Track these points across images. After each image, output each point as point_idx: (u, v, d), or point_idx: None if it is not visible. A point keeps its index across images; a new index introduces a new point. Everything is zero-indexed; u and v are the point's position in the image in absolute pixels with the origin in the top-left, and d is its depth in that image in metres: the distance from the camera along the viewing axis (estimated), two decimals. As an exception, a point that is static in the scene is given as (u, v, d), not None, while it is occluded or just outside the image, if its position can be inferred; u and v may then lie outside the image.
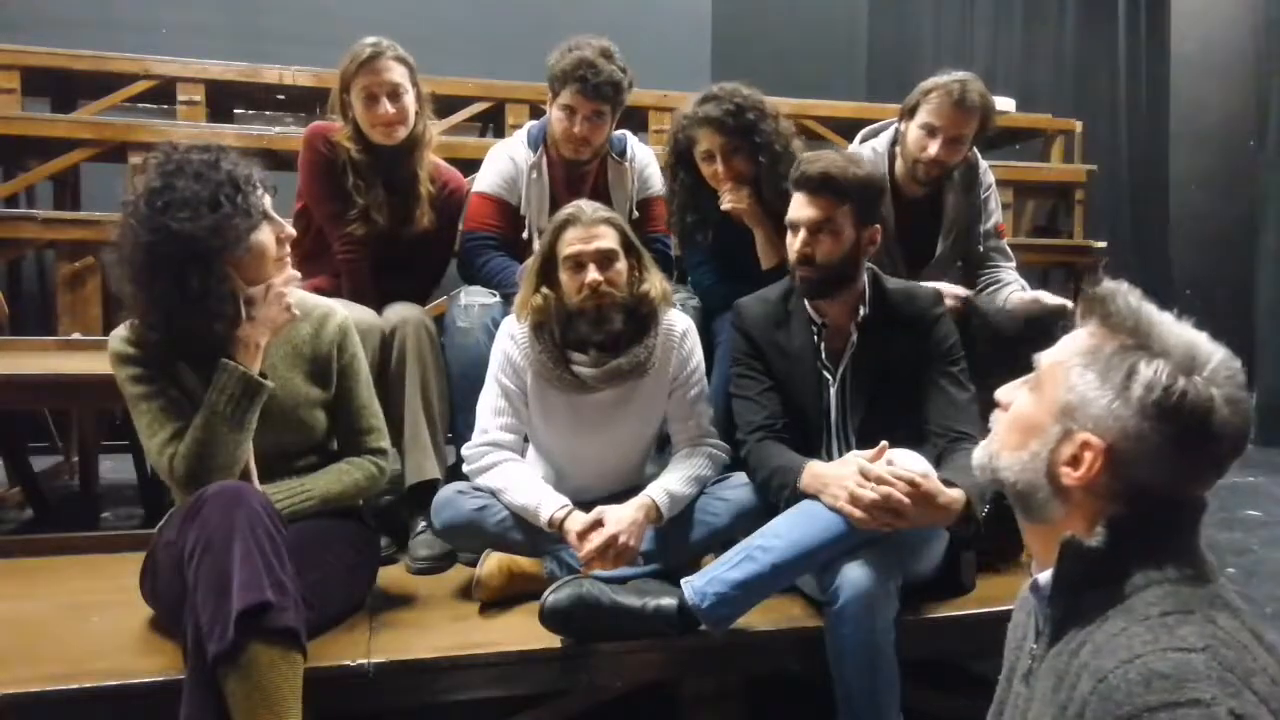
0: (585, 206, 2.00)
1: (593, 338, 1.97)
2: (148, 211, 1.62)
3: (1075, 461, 0.94)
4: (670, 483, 1.96)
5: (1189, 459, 0.91)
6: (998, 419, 1.06)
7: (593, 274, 1.92)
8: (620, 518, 1.85)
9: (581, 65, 2.37)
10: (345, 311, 1.95)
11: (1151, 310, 0.95)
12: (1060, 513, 0.97)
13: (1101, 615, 0.91)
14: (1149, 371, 0.90)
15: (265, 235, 1.70)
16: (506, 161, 2.54)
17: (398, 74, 2.32)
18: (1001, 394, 1.07)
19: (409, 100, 2.35)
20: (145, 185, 1.65)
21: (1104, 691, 0.84)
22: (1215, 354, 0.92)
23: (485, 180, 2.54)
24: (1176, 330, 0.93)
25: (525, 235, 2.52)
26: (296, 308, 1.76)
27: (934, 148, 2.38)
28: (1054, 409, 0.96)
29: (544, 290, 1.98)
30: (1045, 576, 0.99)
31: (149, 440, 1.69)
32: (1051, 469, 0.96)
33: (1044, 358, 1.01)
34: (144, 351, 1.70)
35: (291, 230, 1.76)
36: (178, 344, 1.70)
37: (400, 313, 2.29)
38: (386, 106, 2.31)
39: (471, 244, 2.51)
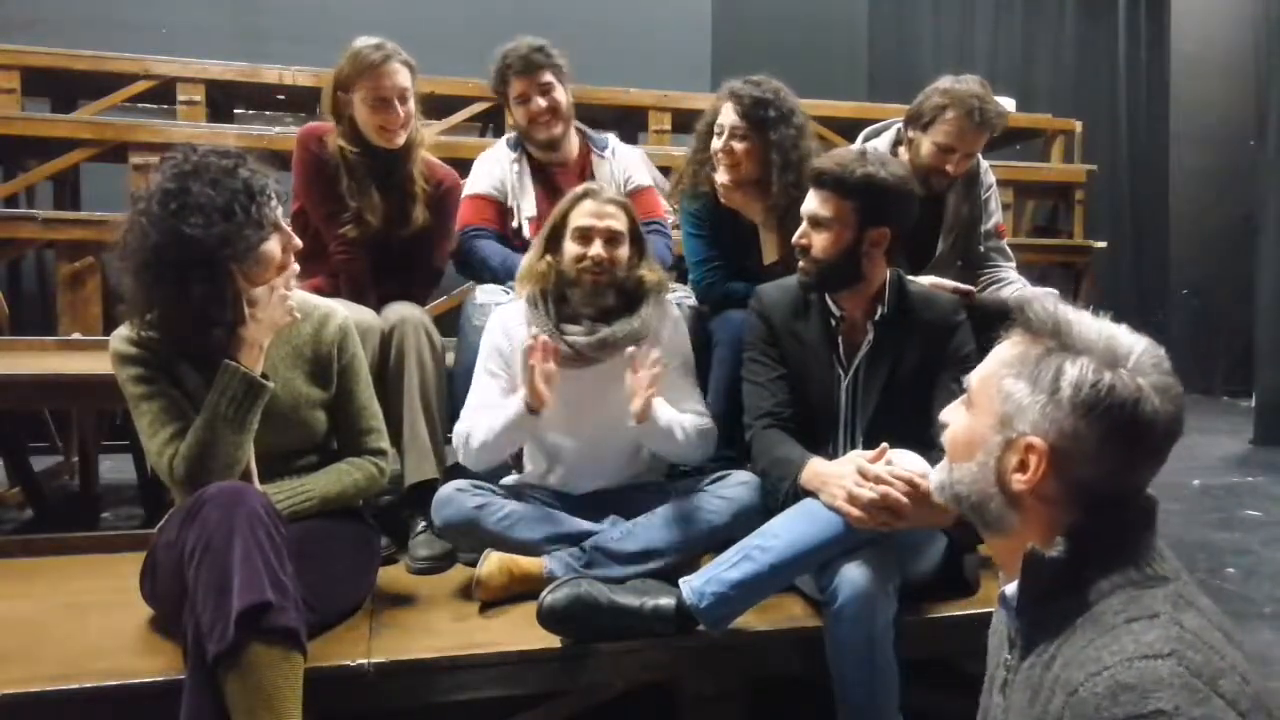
0: (606, 187, 2.11)
1: (584, 310, 2.02)
2: (159, 212, 1.61)
3: (1023, 466, 0.96)
4: (673, 412, 2.00)
5: (1126, 450, 0.93)
6: (944, 440, 1.08)
7: (597, 249, 1.99)
8: None
9: (505, 56, 2.58)
10: (345, 312, 1.95)
11: (1068, 311, 0.98)
12: (1016, 522, 0.99)
13: (1070, 625, 0.92)
14: (1074, 370, 0.93)
15: (274, 245, 1.69)
16: (492, 163, 2.66)
17: (404, 78, 2.33)
18: (944, 415, 1.09)
19: (413, 104, 2.36)
20: (159, 184, 1.63)
21: (1075, 705, 0.85)
22: (1137, 345, 0.94)
23: (473, 184, 2.64)
24: (1096, 327, 0.96)
25: (515, 224, 2.60)
26: (297, 308, 1.76)
27: (951, 166, 2.42)
28: (992, 421, 0.99)
29: (548, 258, 2.06)
30: (1012, 588, 1.01)
31: (149, 440, 1.69)
32: (1001, 478, 0.98)
33: (974, 375, 1.04)
34: (145, 351, 1.70)
35: (299, 242, 1.76)
36: (178, 344, 1.70)
37: (399, 312, 2.29)
38: (398, 110, 2.31)
39: (465, 236, 2.58)
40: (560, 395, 2.03)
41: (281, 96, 3.93)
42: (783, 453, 1.88)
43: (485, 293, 2.43)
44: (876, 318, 1.95)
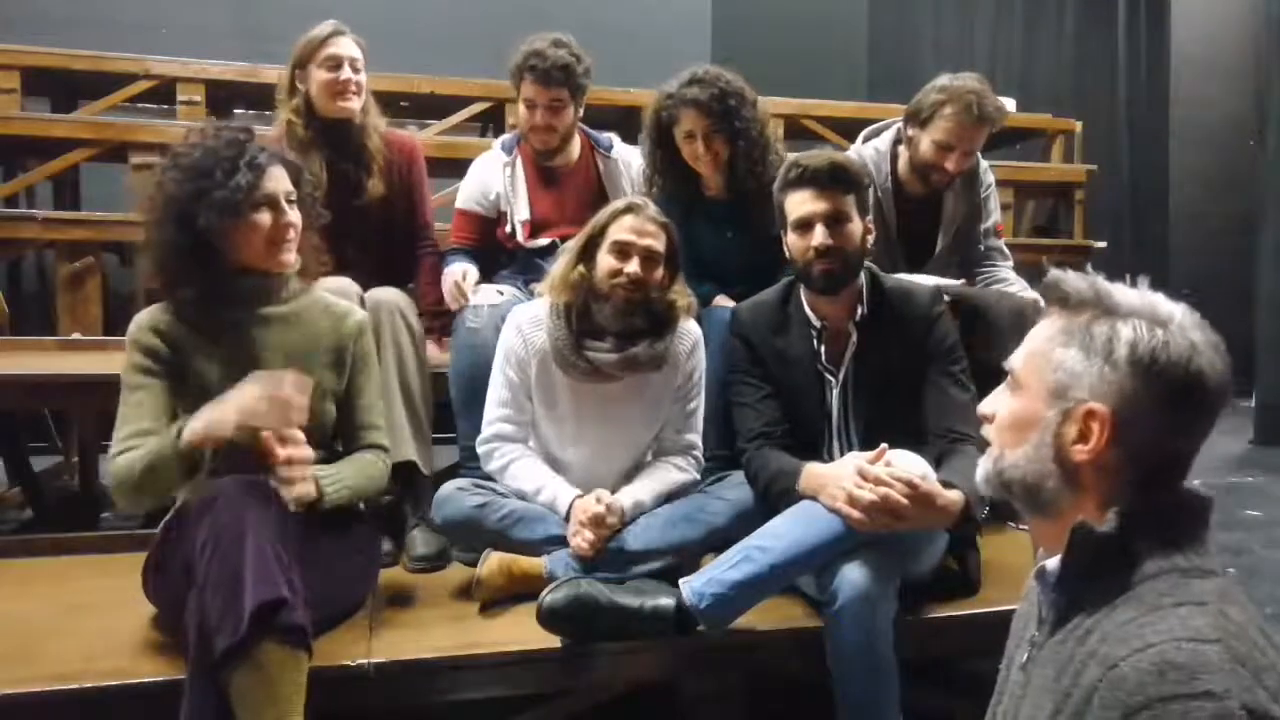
0: (650, 203, 2.06)
1: (611, 327, 1.99)
2: (160, 166, 1.75)
3: (1083, 436, 0.94)
4: (639, 492, 2.01)
5: (1183, 408, 0.92)
6: (988, 432, 1.06)
7: (634, 267, 1.96)
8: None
9: (531, 56, 2.47)
10: (364, 312, 1.97)
11: (1103, 280, 0.97)
12: (1070, 500, 0.97)
13: (1109, 603, 0.90)
14: (1128, 330, 0.92)
15: (262, 218, 1.72)
16: (481, 169, 2.65)
17: (355, 49, 2.44)
18: (984, 407, 1.07)
19: (364, 78, 2.45)
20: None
21: (1114, 680, 0.83)
22: (1177, 307, 0.95)
23: (460, 196, 2.66)
24: (1134, 293, 0.96)
25: (509, 229, 2.59)
26: (328, 294, 1.87)
27: (950, 163, 2.42)
28: (1044, 395, 0.97)
29: (580, 268, 2.02)
30: (1054, 563, 0.99)
31: (116, 429, 1.68)
32: (1060, 452, 0.96)
33: (1015, 359, 1.02)
34: (160, 341, 1.71)
35: (296, 220, 1.77)
36: (185, 313, 1.74)
37: (375, 296, 2.28)
38: (348, 73, 2.40)
39: (445, 253, 2.63)
40: (570, 407, 2.04)
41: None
42: (778, 465, 1.89)
43: (479, 294, 2.41)
44: (858, 319, 1.95)
